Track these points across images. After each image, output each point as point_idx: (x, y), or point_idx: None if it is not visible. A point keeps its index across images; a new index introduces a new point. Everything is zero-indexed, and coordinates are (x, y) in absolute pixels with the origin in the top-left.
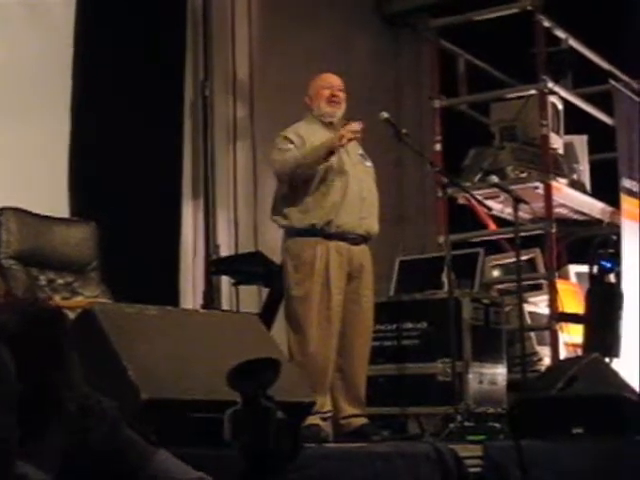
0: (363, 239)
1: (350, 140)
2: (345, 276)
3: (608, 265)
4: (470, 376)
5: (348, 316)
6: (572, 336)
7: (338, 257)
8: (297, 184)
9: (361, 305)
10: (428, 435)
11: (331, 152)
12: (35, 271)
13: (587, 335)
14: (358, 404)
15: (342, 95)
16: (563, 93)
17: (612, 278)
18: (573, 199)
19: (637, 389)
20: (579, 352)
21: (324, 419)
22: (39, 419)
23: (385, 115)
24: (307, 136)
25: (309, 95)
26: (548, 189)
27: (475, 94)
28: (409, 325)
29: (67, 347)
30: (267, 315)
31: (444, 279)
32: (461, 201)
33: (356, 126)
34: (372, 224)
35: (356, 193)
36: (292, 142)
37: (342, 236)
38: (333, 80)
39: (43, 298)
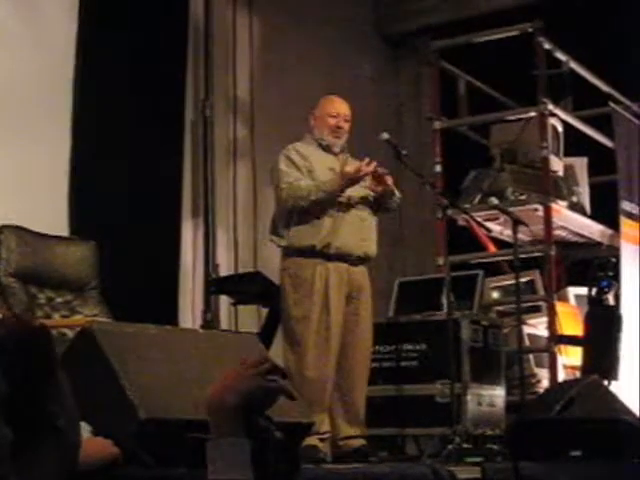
0: (362, 260)
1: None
2: (344, 296)
3: (607, 288)
4: (469, 397)
5: (347, 336)
6: (571, 358)
7: (337, 277)
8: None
9: (360, 325)
10: (426, 456)
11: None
12: (34, 289)
13: (586, 357)
14: (357, 424)
15: (347, 126)
16: (563, 115)
17: (611, 301)
18: (573, 221)
19: (636, 412)
20: (578, 374)
21: (322, 440)
22: (30, 433)
23: (386, 136)
24: (308, 157)
25: (314, 115)
26: (548, 211)
27: (475, 116)
28: (408, 346)
29: (54, 362)
30: (266, 335)
31: (443, 300)
32: (461, 222)
33: (368, 168)
34: (371, 246)
35: (355, 215)
36: (296, 166)
37: (341, 257)
38: (341, 108)
39: (26, 315)
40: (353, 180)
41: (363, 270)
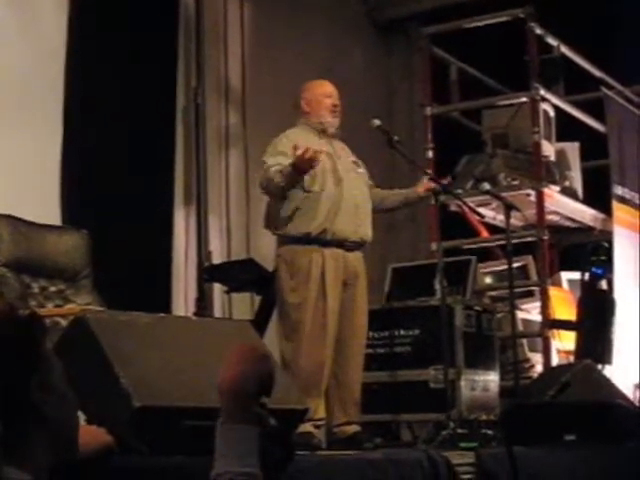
0: (358, 245)
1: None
2: (341, 283)
3: (600, 272)
4: (462, 383)
5: (345, 325)
6: (564, 343)
7: (334, 264)
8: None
9: (357, 314)
10: (421, 442)
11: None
12: (27, 279)
13: (579, 342)
14: (353, 411)
15: (340, 105)
16: (555, 100)
17: (604, 285)
18: (565, 206)
19: (630, 396)
20: (571, 359)
21: (317, 426)
22: (19, 421)
23: (377, 122)
24: (299, 142)
25: (306, 100)
26: (540, 196)
27: (467, 101)
28: (401, 332)
29: (43, 350)
30: (260, 322)
31: (436, 286)
32: (453, 208)
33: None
34: (367, 231)
35: (351, 200)
36: (280, 152)
37: (338, 243)
38: (332, 89)
39: (16, 304)
40: (297, 163)
41: (359, 256)
